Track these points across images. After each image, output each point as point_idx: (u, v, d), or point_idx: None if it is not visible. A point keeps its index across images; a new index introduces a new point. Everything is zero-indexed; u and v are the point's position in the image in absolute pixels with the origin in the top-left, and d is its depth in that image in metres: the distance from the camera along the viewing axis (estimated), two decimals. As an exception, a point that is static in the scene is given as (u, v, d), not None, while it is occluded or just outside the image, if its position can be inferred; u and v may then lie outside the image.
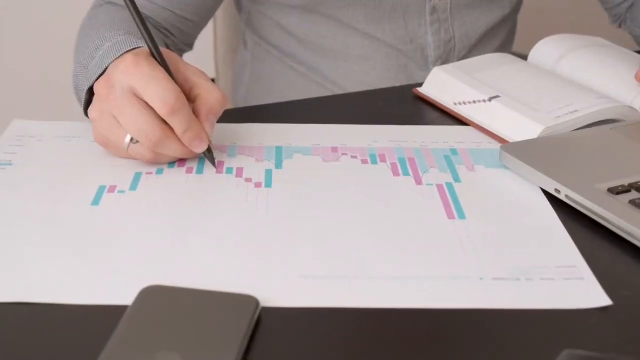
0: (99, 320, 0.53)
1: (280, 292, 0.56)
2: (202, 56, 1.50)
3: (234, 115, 0.86)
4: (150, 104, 0.69)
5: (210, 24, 1.28)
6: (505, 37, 1.16)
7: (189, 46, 1.03)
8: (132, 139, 0.70)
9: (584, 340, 0.53)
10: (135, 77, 0.69)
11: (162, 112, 0.69)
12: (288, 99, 1.03)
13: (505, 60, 0.94)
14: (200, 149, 0.71)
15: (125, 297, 0.54)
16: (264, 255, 0.61)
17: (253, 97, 1.17)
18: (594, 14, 1.34)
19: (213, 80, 1.31)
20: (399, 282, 0.58)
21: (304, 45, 1.08)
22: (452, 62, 1.05)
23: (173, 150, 0.71)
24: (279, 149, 0.77)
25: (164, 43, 0.96)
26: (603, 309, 0.56)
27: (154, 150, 0.70)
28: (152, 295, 0.54)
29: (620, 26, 1.19)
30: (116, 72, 0.70)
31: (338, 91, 1.07)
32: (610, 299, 0.57)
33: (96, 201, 0.68)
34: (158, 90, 0.69)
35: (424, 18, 1.07)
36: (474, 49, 1.10)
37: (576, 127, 0.79)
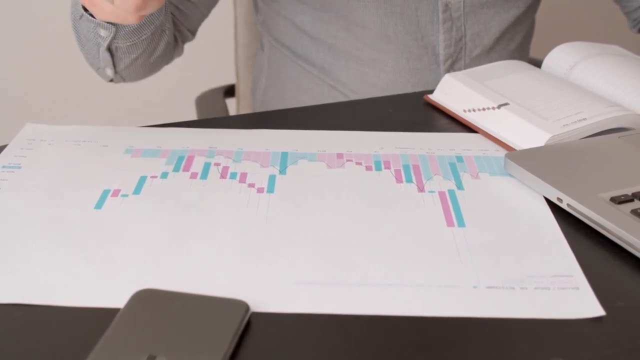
0: (92, 323, 0.54)
1: (273, 298, 0.57)
2: (223, 62, 1.52)
3: (241, 121, 0.87)
4: None
5: (231, 30, 1.29)
6: (521, 39, 1.15)
7: (192, 33, 1.05)
8: None
9: (575, 350, 0.53)
10: None
11: None
12: (301, 102, 1.04)
13: (517, 67, 0.93)
14: None
15: (120, 300, 0.55)
16: (260, 261, 0.61)
17: (269, 100, 1.17)
18: (614, 18, 1.33)
19: (233, 86, 1.32)
20: (392, 290, 0.58)
21: (316, 45, 1.08)
22: (463, 61, 1.05)
23: None
24: (284, 155, 0.78)
25: (171, 23, 0.98)
26: (597, 320, 0.55)
27: None
28: (144, 299, 0.55)
29: (639, 31, 1.18)
30: None
31: (350, 94, 1.07)
32: (605, 309, 0.56)
33: (99, 205, 0.68)
34: None
35: (436, 15, 1.06)
36: (490, 52, 1.09)
37: (584, 135, 0.78)
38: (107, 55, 0.90)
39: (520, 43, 1.13)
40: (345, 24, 1.05)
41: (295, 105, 1.03)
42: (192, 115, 1.27)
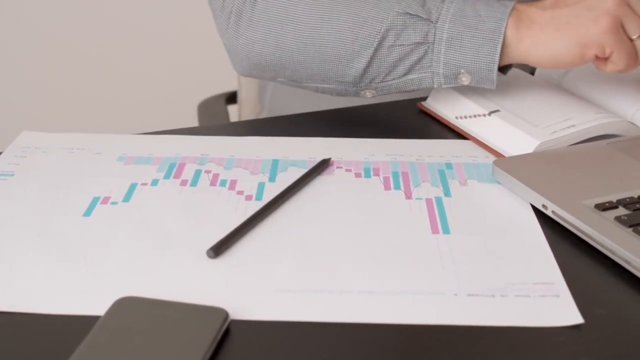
0: (73, 330, 0.55)
1: (254, 305, 0.57)
2: (226, 69, 1.52)
3: (234, 128, 0.88)
4: None
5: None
6: None
7: None
8: None
9: (551, 358, 0.53)
10: None
11: None
12: (308, 106, 1.04)
13: (510, 74, 0.93)
14: None
15: (103, 307, 0.56)
16: (243, 268, 0.62)
17: (276, 105, 1.18)
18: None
19: (235, 93, 1.33)
20: (373, 297, 0.58)
21: None
22: None
23: None
24: (275, 162, 0.78)
25: None
26: (575, 327, 0.55)
27: None
28: (125, 306, 0.56)
29: None
30: None
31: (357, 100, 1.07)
32: (585, 317, 0.56)
33: (88, 212, 0.69)
34: None
35: None
36: None
37: (573, 142, 0.79)
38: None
39: None
40: None
41: (305, 111, 1.03)
42: (194, 122, 1.27)
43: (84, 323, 0.55)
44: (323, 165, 0.75)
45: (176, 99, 1.89)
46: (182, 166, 0.77)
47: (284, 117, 0.91)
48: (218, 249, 0.61)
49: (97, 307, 0.56)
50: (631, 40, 0.76)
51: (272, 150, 0.81)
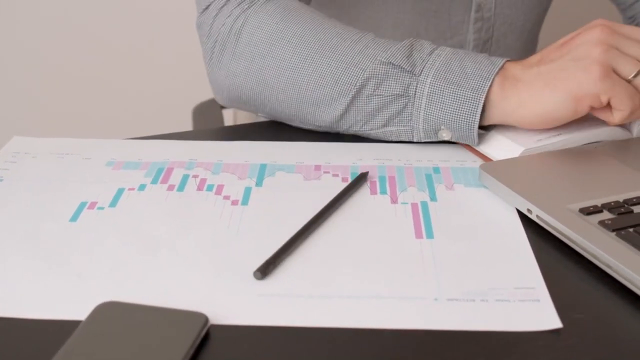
0: (54, 335, 0.55)
1: (235, 310, 0.58)
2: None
3: (224, 133, 0.88)
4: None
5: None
6: (534, 38, 1.17)
7: None
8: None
9: (528, 363, 0.53)
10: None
11: None
12: None
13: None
14: None
15: (85, 312, 0.56)
16: (226, 273, 0.62)
17: None
18: (608, 14, 1.33)
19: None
20: (353, 302, 0.58)
21: None
22: None
23: None
24: (262, 167, 0.79)
25: None
26: (554, 332, 0.55)
27: None
28: (106, 311, 0.56)
29: None
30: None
31: None
32: (564, 321, 0.56)
33: (74, 217, 0.69)
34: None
35: (468, 14, 1.07)
36: (510, 52, 1.11)
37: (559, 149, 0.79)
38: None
39: (533, 43, 1.15)
40: (375, 23, 1.05)
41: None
42: (189, 126, 1.28)
43: (66, 328, 0.55)
44: (361, 180, 0.75)
45: (171, 103, 1.89)
46: (170, 171, 0.78)
47: (274, 122, 0.91)
48: (265, 270, 0.61)
49: (80, 312, 0.56)
50: (629, 81, 0.74)
51: (261, 154, 0.81)
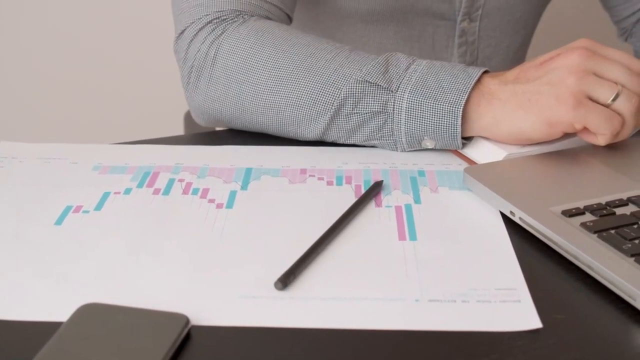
0: (36, 337, 0.55)
1: (216, 311, 0.58)
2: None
3: (211, 137, 0.88)
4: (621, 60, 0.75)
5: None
6: (519, 58, 1.18)
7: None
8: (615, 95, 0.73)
9: (507, 362, 0.53)
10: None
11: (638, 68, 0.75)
12: None
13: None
14: None
15: (66, 314, 0.56)
16: (208, 275, 0.62)
17: None
18: (604, 27, 1.34)
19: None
20: (334, 303, 0.59)
21: None
22: None
23: None
24: (248, 171, 0.79)
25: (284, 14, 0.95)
26: (534, 332, 0.56)
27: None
28: (87, 313, 0.56)
29: (626, 40, 1.19)
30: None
31: None
32: (545, 321, 0.57)
33: (59, 221, 0.70)
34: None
35: (452, 40, 1.08)
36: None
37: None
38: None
39: (520, 63, 1.16)
40: (358, 47, 1.06)
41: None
42: (180, 131, 1.28)
43: (48, 330, 0.55)
44: (376, 189, 0.74)
45: (163, 109, 1.90)
46: (156, 175, 0.78)
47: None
48: (286, 280, 0.60)
49: (62, 313, 0.57)
50: (608, 105, 0.73)
51: (247, 159, 0.82)
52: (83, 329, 0.55)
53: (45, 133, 2.05)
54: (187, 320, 0.55)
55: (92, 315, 0.56)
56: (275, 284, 0.60)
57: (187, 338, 0.55)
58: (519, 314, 0.58)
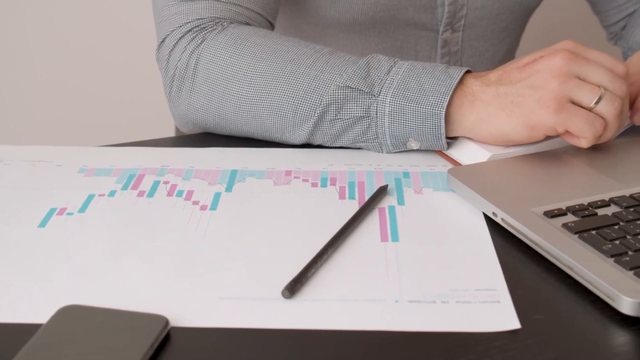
0: (15, 338, 0.55)
1: (196, 313, 0.58)
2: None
3: (197, 139, 0.88)
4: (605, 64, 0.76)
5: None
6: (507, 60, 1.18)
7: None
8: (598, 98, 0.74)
9: (484, 362, 0.53)
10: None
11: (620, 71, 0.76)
12: None
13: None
14: None
15: (48, 316, 0.56)
16: (189, 277, 0.62)
17: None
18: (595, 31, 1.34)
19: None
20: (314, 304, 0.59)
21: None
22: None
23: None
24: (233, 172, 0.79)
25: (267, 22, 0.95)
26: (513, 332, 0.56)
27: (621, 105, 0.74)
28: (67, 314, 0.56)
29: (615, 43, 1.19)
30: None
31: None
32: (524, 322, 0.57)
33: (43, 223, 0.70)
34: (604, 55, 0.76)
35: (434, 50, 1.08)
36: None
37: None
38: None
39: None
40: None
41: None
42: (171, 133, 1.28)
43: (28, 331, 0.55)
44: (382, 193, 0.74)
45: (153, 110, 1.90)
46: (141, 177, 0.78)
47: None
48: (293, 288, 0.60)
49: (42, 315, 0.57)
50: (591, 108, 0.74)
51: (233, 161, 0.82)
52: (62, 331, 0.55)
53: (34, 135, 2.05)
54: (167, 322, 0.56)
55: (71, 317, 0.56)
56: (283, 293, 0.60)
57: (166, 339, 0.56)
58: (498, 314, 0.58)
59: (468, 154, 0.80)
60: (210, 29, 0.86)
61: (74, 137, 2.02)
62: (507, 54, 1.17)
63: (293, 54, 0.83)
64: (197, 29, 0.86)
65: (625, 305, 0.57)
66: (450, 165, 0.80)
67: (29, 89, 2.04)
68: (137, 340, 0.54)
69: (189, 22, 0.87)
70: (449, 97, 0.76)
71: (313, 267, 0.62)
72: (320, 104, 0.80)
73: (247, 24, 0.90)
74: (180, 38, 0.86)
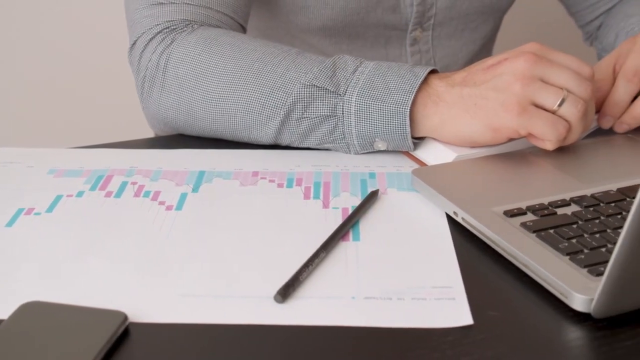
0: (-25, 334, 0.56)
1: (155, 309, 0.59)
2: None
3: (166, 141, 0.89)
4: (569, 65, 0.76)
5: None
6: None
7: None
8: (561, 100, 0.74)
9: (434, 357, 0.54)
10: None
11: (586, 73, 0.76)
12: None
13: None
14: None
15: (9, 312, 0.57)
16: (150, 275, 0.63)
17: None
18: (572, 32, 1.35)
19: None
20: (271, 301, 0.60)
21: None
22: None
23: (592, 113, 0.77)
24: (201, 173, 0.80)
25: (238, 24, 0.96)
26: (465, 328, 0.57)
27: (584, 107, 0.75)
28: (28, 311, 0.57)
29: (591, 44, 1.20)
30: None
31: None
32: (477, 318, 0.58)
33: (11, 223, 0.71)
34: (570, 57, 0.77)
35: (404, 48, 1.09)
36: None
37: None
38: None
39: None
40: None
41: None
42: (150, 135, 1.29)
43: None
44: (373, 197, 0.74)
45: (130, 115, 1.90)
46: (109, 178, 0.79)
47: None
48: (285, 293, 0.60)
49: (5, 312, 0.57)
50: (554, 111, 0.75)
51: (201, 162, 0.83)
52: (22, 327, 0.56)
53: (7, 137, 2.05)
54: (125, 317, 0.56)
55: (32, 313, 0.57)
56: (275, 297, 0.60)
57: (125, 334, 0.56)
58: (452, 311, 0.59)
59: (434, 154, 0.80)
60: (180, 30, 0.87)
61: (50, 139, 2.02)
62: (482, 54, 1.17)
63: (261, 52, 0.84)
64: (167, 30, 0.87)
65: (577, 302, 0.58)
66: (416, 166, 0.81)
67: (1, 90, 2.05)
68: (96, 335, 0.55)
69: (159, 24, 0.88)
70: (413, 95, 0.77)
71: (305, 271, 0.63)
72: (287, 101, 0.81)
73: (218, 26, 0.91)
74: (151, 39, 0.87)
